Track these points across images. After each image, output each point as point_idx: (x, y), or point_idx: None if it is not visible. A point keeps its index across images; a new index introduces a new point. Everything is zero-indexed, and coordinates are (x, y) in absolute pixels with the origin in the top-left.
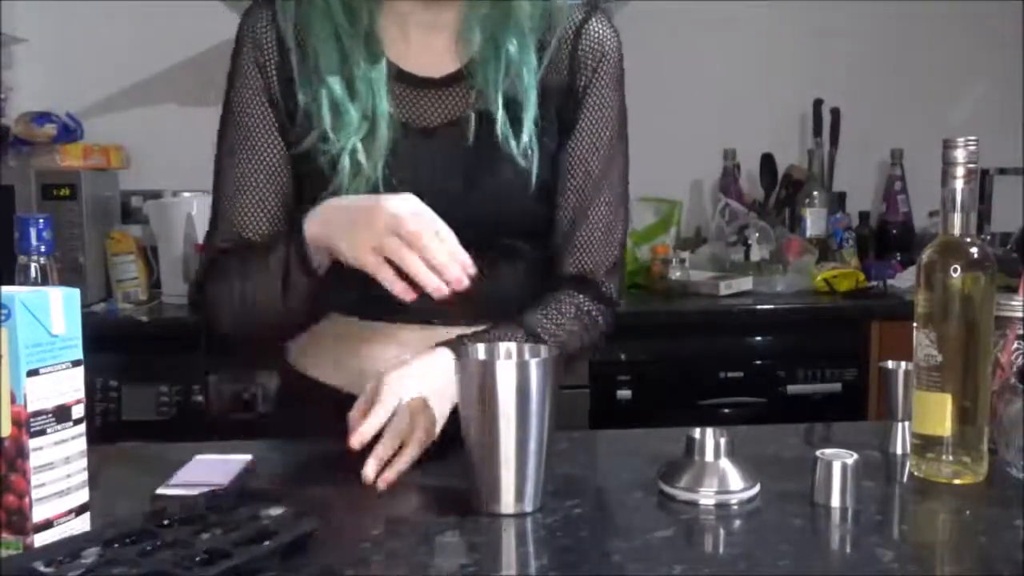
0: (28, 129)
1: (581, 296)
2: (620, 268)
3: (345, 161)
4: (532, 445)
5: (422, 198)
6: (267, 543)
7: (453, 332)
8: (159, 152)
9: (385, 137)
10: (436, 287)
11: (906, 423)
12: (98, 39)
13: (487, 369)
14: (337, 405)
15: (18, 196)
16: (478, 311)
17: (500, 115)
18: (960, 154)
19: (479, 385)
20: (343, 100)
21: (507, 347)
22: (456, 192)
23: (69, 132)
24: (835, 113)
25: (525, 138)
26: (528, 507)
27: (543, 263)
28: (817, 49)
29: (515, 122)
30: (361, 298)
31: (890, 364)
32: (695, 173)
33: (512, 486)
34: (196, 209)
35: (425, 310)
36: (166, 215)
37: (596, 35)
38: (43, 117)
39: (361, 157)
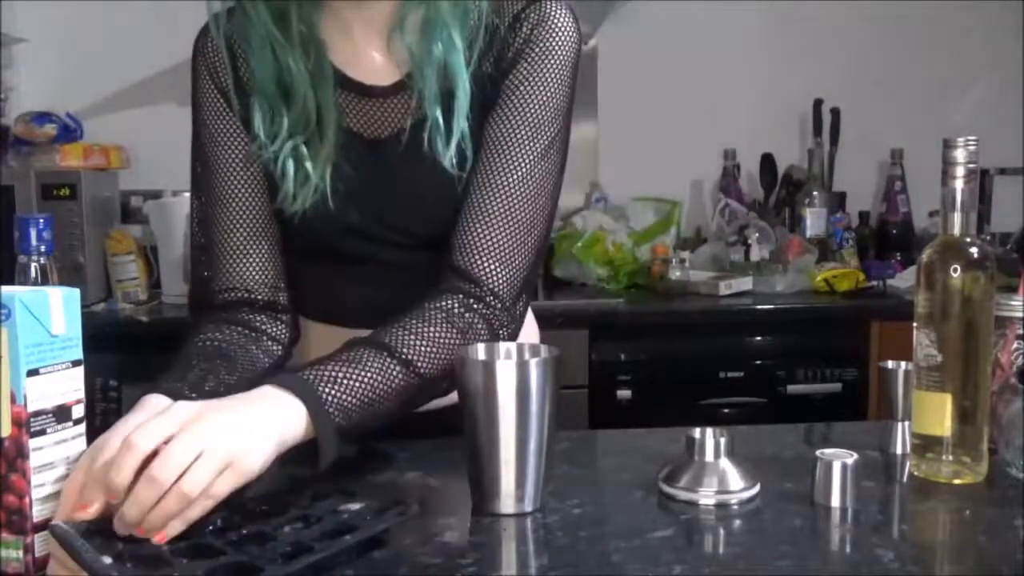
0: (28, 129)
1: (457, 299)
2: (521, 269)
3: (289, 166)
4: (532, 445)
5: (367, 210)
6: (347, 537)
7: None
8: (159, 152)
9: (331, 142)
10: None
11: (906, 423)
12: (98, 39)
13: (487, 369)
14: None
15: (18, 196)
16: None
17: (431, 121)
18: (960, 154)
19: (479, 385)
20: (276, 104)
21: (507, 347)
22: (401, 203)
23: (69, 132)
24: (835, 113)
25: (454, 141)
26: (528, 507)
27: None
28: (817, 49)
29: (449, 126)
30: (327, 303)
31: (890, 364)
32: (695, 173)
33: (512, 486)
34: None
35: (386, 313)
36: (166, 215)
37: (533, 18)
38: (43, 117)
39: (307, 163)
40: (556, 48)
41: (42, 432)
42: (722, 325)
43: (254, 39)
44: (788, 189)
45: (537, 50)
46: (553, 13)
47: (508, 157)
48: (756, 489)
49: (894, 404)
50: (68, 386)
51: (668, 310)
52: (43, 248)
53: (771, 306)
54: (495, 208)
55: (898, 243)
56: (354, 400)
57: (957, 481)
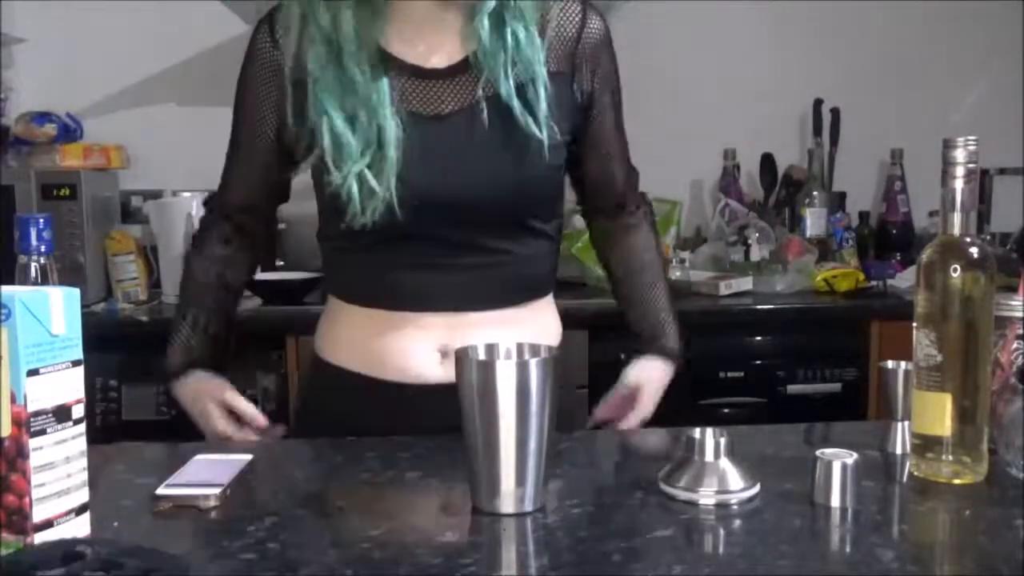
0: (28, 129)
1: (638, 206)
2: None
3: (354, 188)
4: (532, 445)
5: (439, 189)
6: None
7: (475, 317)
8: (159, 152)
9: (393, 158)
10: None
11: (906, 423)
12: (98, 39)
13: (487, 369)
14: (361, 391)
15: (18, 196)
16: (506, 291)
17: (515, 102)
18: (960, 154)
19: (479, 384)
20: (343, 131)
21: (507, 347)
22: (475, 176)
23: (69, 132)
24: (835, 113)
25: (541, 118)
26: (528, 506)
27: (556, 242)
28: (817, 49)
29: (526, 106)
30: (381, 289)
31: (890, 364)
32: (695, 173)
33: (512, 486)
34: (196, 209)
35: (445, 297)
36: (166, 215)
37: (595, 30)
38: (43, 117)
39: (371, 182)
40: (610, 44)
41: (42, 432)
42: (722, 325)
43: (319, 55)
44: (788, 189)
45: (605, 54)
46: (600, 24)
47: (618, 120)
48: (756, 489)
49: (893, 404)
50: (68, 386)
51: None
52: (43, 248)
53: (771, 306)
54: (623, 150)
55: (898, 243)
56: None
57: (957, 481)
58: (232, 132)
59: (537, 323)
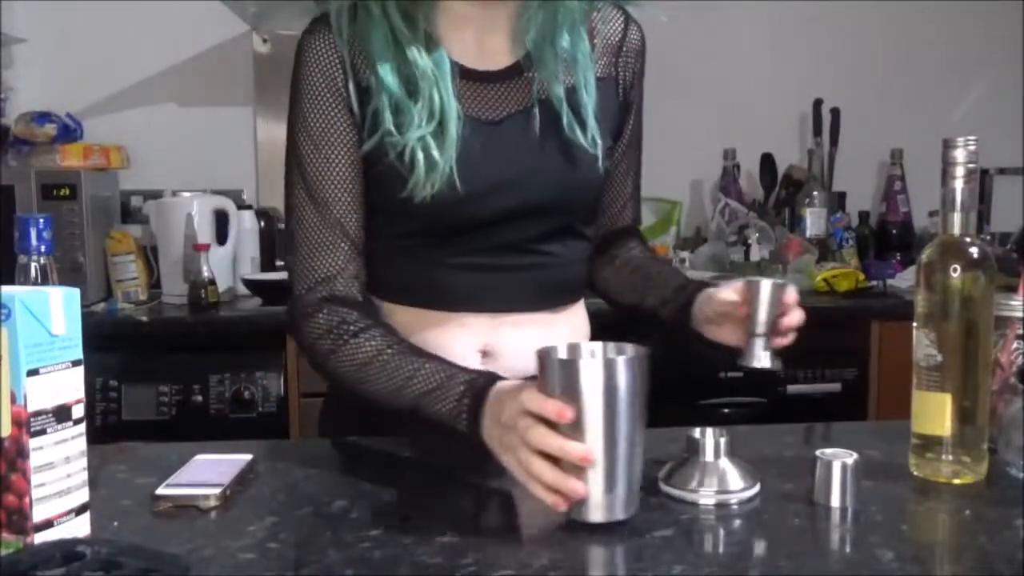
0: (28, 129)
1: (637, 242)
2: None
3: (419, 155)
4: (621, 449)
5: (493, 190)
6: None
7: (516, 318)
8: (159, 152)
9: (454, 130)
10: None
11: (763, 339)
12: (98, 39)
13: (571, 369)
14: None
15: (18, 196)
16: (548, 292)
17: (564, 106)
18: (960, 154)
19: (562, 386)
20: (403, 99)
21: (592, 346)
22: (529, 179)
23: (69, 132)
24: (835, 113)
25: (590, 123)
26: (619, 515)
27: (592, 239)
28: (817, 49)
29: (576, 110)
30: (426, 288)
31: (759, 279)
32: (695, 173)
33: (600, 493)
34: (196, 209)
35: (490, 297)
36: (166, 215)
37: (634, 38)
38: (43, 117)
39: (434, 151)
40: (645, 56)
41: (42, 432)
42: None
43: (377, 39)
44: (788, 189)
45: (642, 65)
46: (639, 33)
47: (637, 147)
48: (756, 489)
49: (754, 318)
50: (68, 386)
51: None
52: (43, 248)
53: None
54: (636, 183)
55: (898, 243)
56: None
57: (957, 481)
58: (301, 168)
59: (570, 325)
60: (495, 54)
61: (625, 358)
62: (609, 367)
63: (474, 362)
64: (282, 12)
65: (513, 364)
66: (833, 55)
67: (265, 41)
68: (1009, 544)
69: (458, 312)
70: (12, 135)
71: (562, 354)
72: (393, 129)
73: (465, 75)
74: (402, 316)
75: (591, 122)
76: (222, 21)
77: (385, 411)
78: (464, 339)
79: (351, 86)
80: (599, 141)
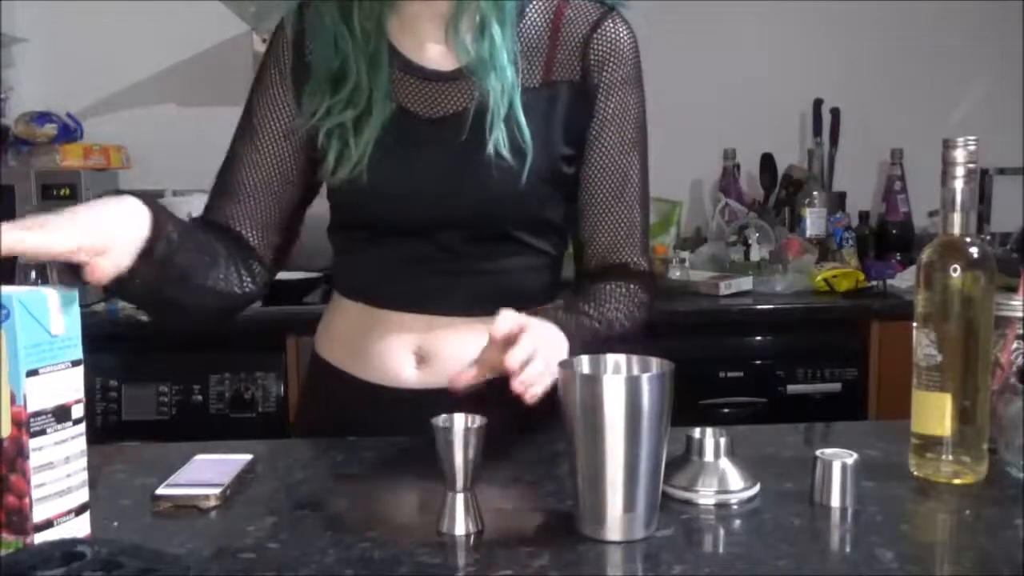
0: (28, 129)
1: (617, 280)
2: (646, 250)
3: (333, 141)
4: (643, 468)
5: (411, 195)
6: None
7: (452, 322)
8: (159, 152)
9: (377, 122)
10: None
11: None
12: (98, 39)
13: (593, 384)
14: (348, 390)
15: (18, 196)
16: (485, 301)
17: (491, 110)
18: (960, 154)
19: (583, 401)
20: (328, 85)
21: (615, 360)
22: (448, 187)
23: (69, 132)
24: (835, 113)
25: (515, 132)
26: (638, 534)
27: (553, 256)
28: (817, 49)
29: (507, 119)
30: (370, 286)
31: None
32: (695, 173)
33: (619, 512)
34: (196, 209)
35: (426, 300)
36: None
37: (609, 35)
38: (43, 117)
39: (350, 139)
40: (632, 63)
41: (42, 432)
42: (722, 325)
43: (321, 32)
44: (788, 189)
45: (619, 67)
46: (621, 32)
47: (623, 174)
48: (756, 489)
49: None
50: (68, 386)
51: (668, 310)
52: None
53: (771, 306)
54: (622, 218)
55: (898, 243)
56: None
57: (957, 481)
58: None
59: None
60: (440, 54)
61: (649, 375)
62: (632, 384)
63: (409, 365)
64: (282, 12)
65: (447, 369)
66: (833, 55)
67: (265, 41)
68: (1009, 544)
69: (397, 311)
70: (12, 135)
71: (585, 368)
72: (321, 111)
73: (409, 70)
74: (350, 312)
75: (524, 131)
76: (222, 21)
77: (360, 409)
78: (400, 339)
79: (293, 65)
80: (529, 153)
